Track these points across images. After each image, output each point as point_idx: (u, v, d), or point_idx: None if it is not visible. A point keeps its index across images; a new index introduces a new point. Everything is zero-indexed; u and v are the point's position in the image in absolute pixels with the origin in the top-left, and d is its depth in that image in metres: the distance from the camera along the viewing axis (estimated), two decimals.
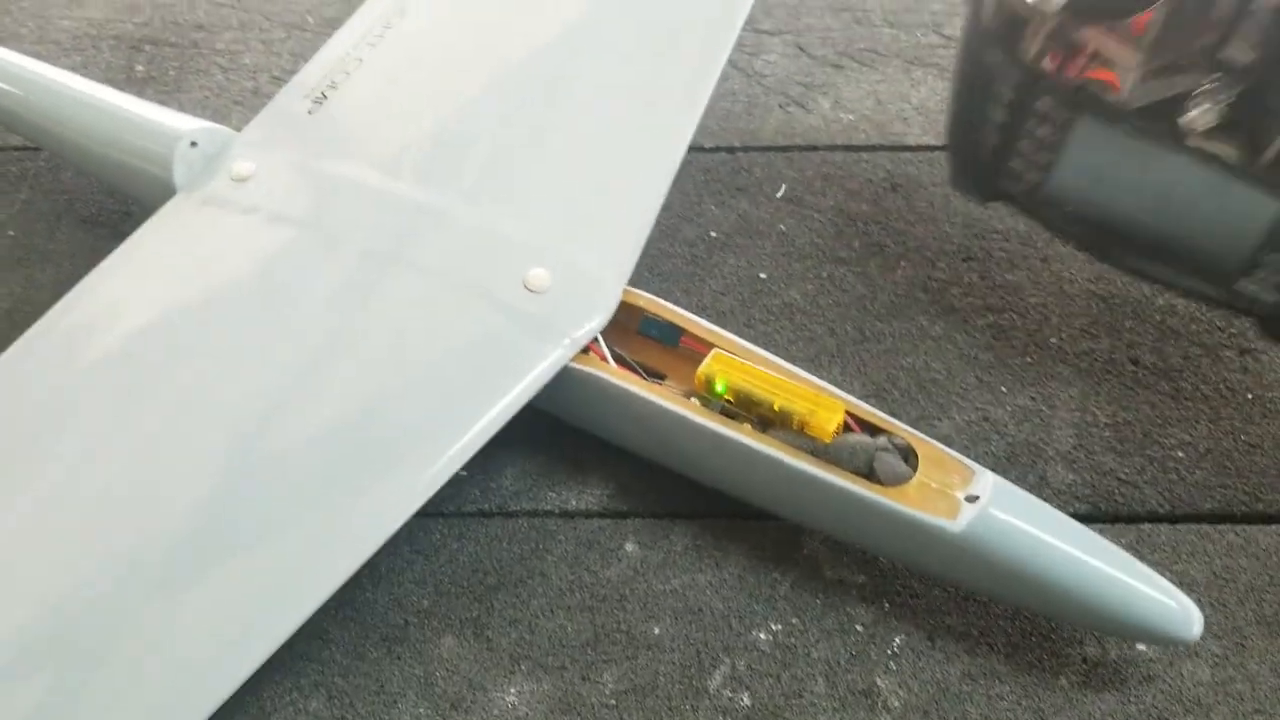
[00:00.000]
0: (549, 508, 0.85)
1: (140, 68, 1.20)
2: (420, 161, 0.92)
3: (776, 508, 0.81)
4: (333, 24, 1.25)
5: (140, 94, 1.13)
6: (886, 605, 0.79)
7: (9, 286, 1.00)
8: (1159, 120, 0.79)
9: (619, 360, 0.82)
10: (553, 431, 0.86)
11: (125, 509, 0.74)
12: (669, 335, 0.84)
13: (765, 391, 0.78)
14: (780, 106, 1.14)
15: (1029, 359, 0.93)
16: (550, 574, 0.81)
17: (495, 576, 0.81)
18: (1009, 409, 0.90)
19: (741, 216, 1.04)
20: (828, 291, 0.98)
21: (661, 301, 0.85)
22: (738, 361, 0.80)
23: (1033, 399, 0.91)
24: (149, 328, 0.83)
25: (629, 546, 0.82)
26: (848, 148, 1.10)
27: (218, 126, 0.95)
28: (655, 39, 0.97)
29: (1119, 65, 0.79)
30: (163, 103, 1.07)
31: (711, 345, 0.82)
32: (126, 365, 0.81)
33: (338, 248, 0.86)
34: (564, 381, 0.79)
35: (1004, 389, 0.91)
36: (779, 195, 1.06)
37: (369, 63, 0.99)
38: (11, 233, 1.05)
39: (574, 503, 0.85)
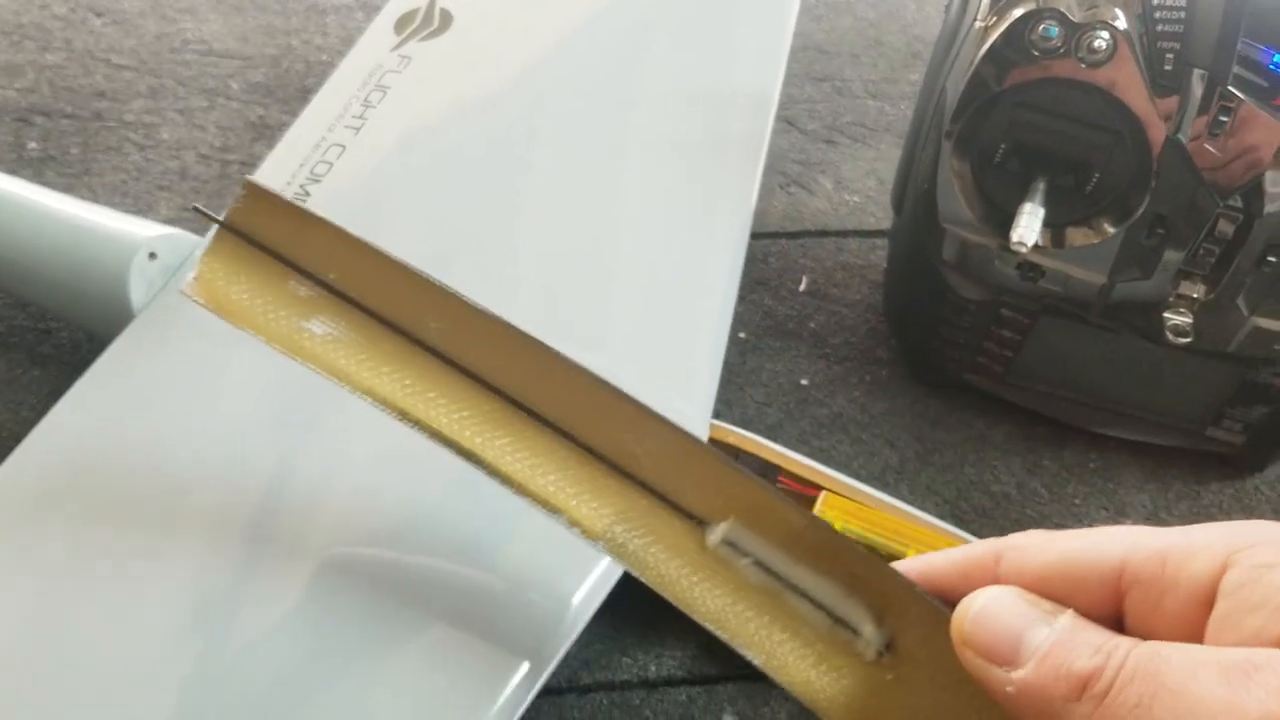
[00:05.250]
0: (626, 677, 0.73)
1: (33, 144, 1.00)
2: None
3: None
4: (262, 91, 1.09)
5: (39, 179, 0.94)
6: None
7: None
8: (1125, 319, 0.80)
9: None
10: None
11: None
12: (765, 476, 0.74)
13: (892, 540, 0.70)
14: (782, 188, 1.06)
15: (1092, 464, 0.88)
16: None
17: None
18: (1086, 524, 0.85)
19: (767, 314, 0.95)
20: (877, 398, 0.90)
21: (752, 436, 0.74)
22: (852, 505, 0.72)
23: (1105, 509, 0.86)
24: (144, 483, 0.67)
25: (728, 719, 0.72)
26: (860, 233, 1.03)
27: (180, 233, 0.79)
28: (697, 134, 0.87)
29: (1086, 280, 0.79)
30: (70, 189, 0.89)
31: (813, 485, 0.73)
32: (119, 540, 0.64)
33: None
34: None
35: (1077, 500, 0.86)
36: (802, 289, 0.98)
37: (354, 150, 0.84)
38: None
39: (654, 669, 0.74)
